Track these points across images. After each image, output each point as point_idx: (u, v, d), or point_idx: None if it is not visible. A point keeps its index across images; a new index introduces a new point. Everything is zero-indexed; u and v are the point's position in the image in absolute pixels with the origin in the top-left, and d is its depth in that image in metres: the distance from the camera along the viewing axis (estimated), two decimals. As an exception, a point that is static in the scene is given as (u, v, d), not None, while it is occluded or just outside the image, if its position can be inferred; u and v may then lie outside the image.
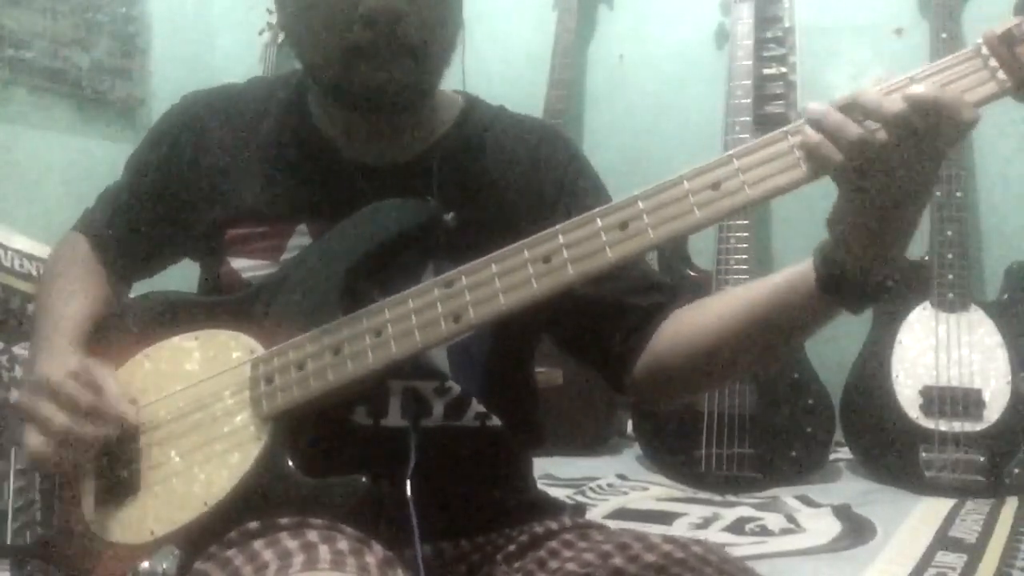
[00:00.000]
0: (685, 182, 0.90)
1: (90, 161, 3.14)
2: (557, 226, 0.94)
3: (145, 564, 1.01)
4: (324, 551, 0.89)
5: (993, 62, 0.86)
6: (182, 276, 1.31)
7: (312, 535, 0.92)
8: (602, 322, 1.15)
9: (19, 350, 2.13)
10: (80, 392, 1.07)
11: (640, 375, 1.13)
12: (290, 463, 1.01)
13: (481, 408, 1.14)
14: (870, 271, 0.93)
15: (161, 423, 1.08)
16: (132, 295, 1.33)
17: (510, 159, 1.19)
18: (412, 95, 1.09)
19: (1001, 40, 0.86)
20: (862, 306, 0.96)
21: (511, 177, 1.18)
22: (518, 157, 1.19)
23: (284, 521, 0.95)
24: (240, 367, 1.05)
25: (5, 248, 2.38)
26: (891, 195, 0.88)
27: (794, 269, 0.99)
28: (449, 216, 1.05)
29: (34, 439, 1.07)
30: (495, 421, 1.15)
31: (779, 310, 1.01)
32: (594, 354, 1.18)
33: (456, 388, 1.12)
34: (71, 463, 1.09)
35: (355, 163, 1.15)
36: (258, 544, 0.92)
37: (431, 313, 0.98)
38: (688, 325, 1.11)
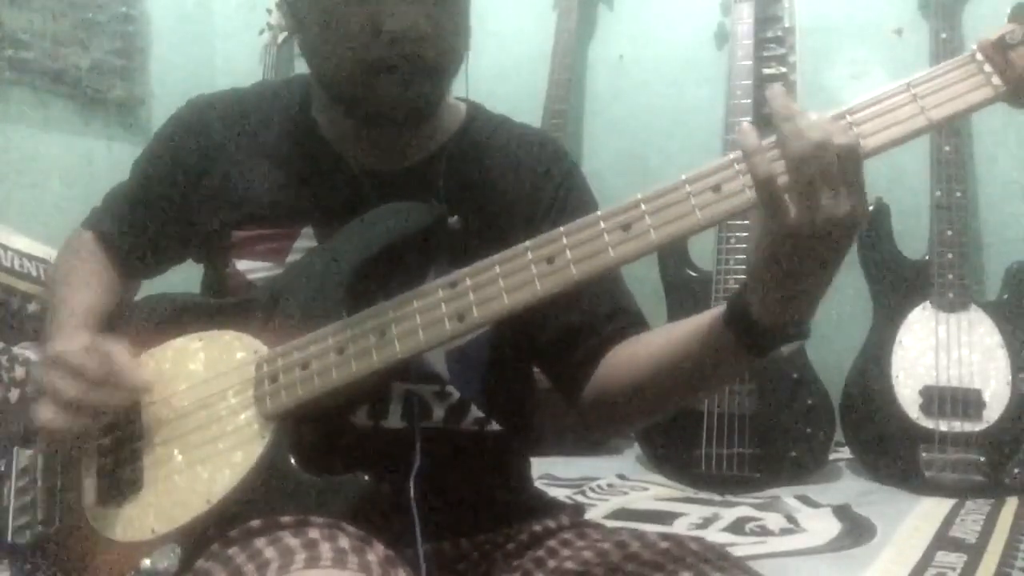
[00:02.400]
0: (687, 184, 0.91)
1: (90, 161, 3.14)
2: (561, 227, 0.95)
3: (146, 562, 1.02)
4: (326, 549, 0.89)
5: (988, 67, 0.88)
6: (185, 277, 1.32)
7: (314, 533, 0.93)
8: (565, 344, 1.16)
9: (19, 350, 2.13)
10: (91, 362, 1.08)
11: (586, 399, 1.15)
12: (293, 462, 1.01)
13: (480, 413, 1.14)
14: (774, 317, 0.93)
15: (164, 422, 1.08)
16: (138, 295, 1.34)
17: (511, 168, 1.20)
18: (426, 110, 1.11)
19: (995, 46, 0.87)
20: (762, 349, 0.96)
21: (511, 185, 1.19)
22: (519, 167, 1.20)
23: (286, 519, 0.96)
24: (244, 366, 1.06)
25: (5, 248, 2.38)
26: (799, 254, 0.88)
27: (714, 310, 1.01)
28: (454, 219, 1.06)
29: (45, 411, 1.08)
30: (494, 426, 1.15)
31: (695, 349, 1.02)
32: (550, 370, 1.20)
33: (456, 393, 1.13)
34: (82, 434, 1.09)
35: (359, 168, 1.17)
36: (260, 542, 0.93)
37: (435, 313, 0.98)
38: (626, 358, 1.13)
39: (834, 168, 0.85)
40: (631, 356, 1.12)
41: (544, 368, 1.21)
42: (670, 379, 1.06)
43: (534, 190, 1.19)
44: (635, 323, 1.17)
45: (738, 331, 0.96)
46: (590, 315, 1.15)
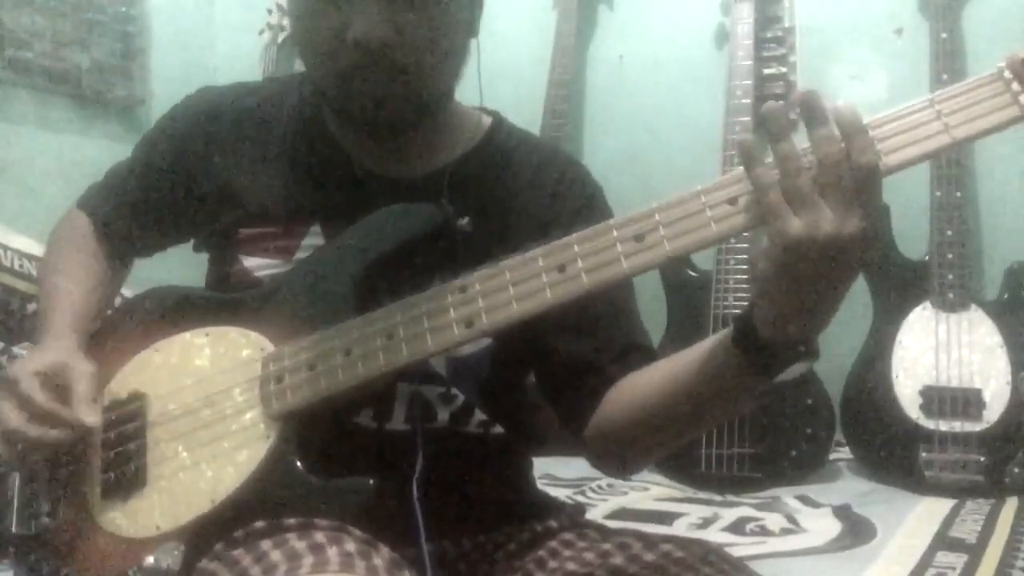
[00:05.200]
0: (703, 196, 0.90)
1: (90, 161, 3.12)
2: (572, 235, 0.94)
3: (149, 559, 1.02)
4: (333, 552, 0.89)
5: (1016, 86, 0.85)
6: (189, 271, 1.31)
7: (319, 536, 0.93)
8: (570, 376, 1.14)
9: (19, 350, 2.14)
10: (37, 394, 1.08)
11: (591, 434, 1.13)
12: (298, 463, 1.01)
13: (484, 416, 1.14)
14: (782, 334, 0.90)
15: (170, 418, 1.08)
16: (129, 292, 1.33)
17: (528, 186, 1.18)
18: (410, 114, 1.09)
19: None
20: (770, 368, 0.93)
21: (526, 204, 1.17)
22: (537, 186, 1.18)
23: (291, 521, 0.96)
24: (250, 364, 1.06)
25: (5, 248, 2.39)
26: (805, 268, 0.85)
27: (719, 333, 0.98)
28: (464, 220, 1.05)
29: None
30: (498, 428, 1.15)
31: (701, 373, 0.99)
32: (554, 401, 1.17)
33: (461, 396, 1.13)
34: (22, 462, 1.10)
35: (370, 174, 1.15)
36: (266, 544, 0.93)
37: (444, 317, 0.98)
38: (630, 389, 1.10)
39: (848, 182, 0.83)
40: (635, 387, 1.09)
41: (548, 398, 1.18)
42: (676, 408, 1.03)
43: (550, 211, 1.16)
44: (645, 360, 1.13)
45: (745, 349, 0.93)
46: (601, 350, 1.13)
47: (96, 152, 3.19)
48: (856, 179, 0.83)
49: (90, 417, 1.08)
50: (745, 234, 2.91)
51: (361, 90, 1.06)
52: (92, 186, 1.34)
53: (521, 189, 1.17)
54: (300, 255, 1.13)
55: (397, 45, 1.03)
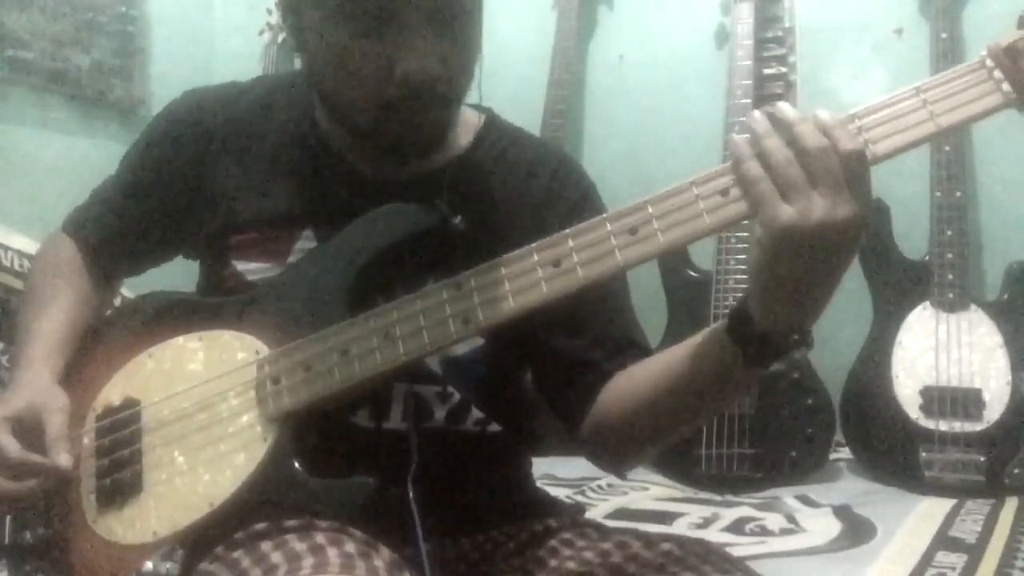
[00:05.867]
0: (695, 187, 0.90)
1: (90, 161, 3.14)
2: (567, 230, 0.94)
3: (148, 564, 1.01)
4: (333, 554, 0.89)
5: (998, 74, 0.88)
6: (181, 276, 1.31)
7: (320, 537, 0.93)
8: (566, 373, 1.14)
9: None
10: (8, 446, 1.07)
11: (588, 430, 1.13)
12: (296, 464, 1.01)
13: (481, 414, 1.14)
14: (776, 323, 0.91)
15: (165, 423, 1.08)
16: (130, 293, 1.33)
17: (523, 184, 1.18)
18: (439, 138, 1.10)
19: (1006, 53, 0.87)
20: (764, 358, 0.93)
21: (520, 202, 1.17)
22: (532, 183, 1.18)
23: (291, 523, 0.96)
24: (245, 367, 1.05)
25: (5, 248, 2.38)
26: (799, 256, 0.86)
27: (715, 325, 0.98)
28: (457, 219, 1.05)
29: None
30: (495, 426, 1.15)
31: (696, 365, 0.99)
32: (553, 400, 1.17)
33: (457, 394, 1.13)
34: (7, 511, 1.10)
35: (363, 175, 1.15)
36: (266, 546, 0.93)
37: (440, 314, 0.98)
38: (625, 384, 1.10)
39: (836, 170, 0.85)
40: (631, 381, 1.09)
41: (544, 395, 1.19)
42: (672, 401, 1.03)
43: (545, 208, 1.16)
44: (641, 357, 1.13)
45: (740, 340, 0.93)
46: (597, 347, 1.13)
47: (96, 152, 3.19)
48: (845, 166, 0.85)
49: (63, 459, 1.06)
50: (745, 233, 2.91)
51: (403, 121, 1.05)
52: (77, 208, 1.31)
53: (515, 187, 1.17)
54: (293, 259, 1.12)
55: (443, 77, 1.03)
